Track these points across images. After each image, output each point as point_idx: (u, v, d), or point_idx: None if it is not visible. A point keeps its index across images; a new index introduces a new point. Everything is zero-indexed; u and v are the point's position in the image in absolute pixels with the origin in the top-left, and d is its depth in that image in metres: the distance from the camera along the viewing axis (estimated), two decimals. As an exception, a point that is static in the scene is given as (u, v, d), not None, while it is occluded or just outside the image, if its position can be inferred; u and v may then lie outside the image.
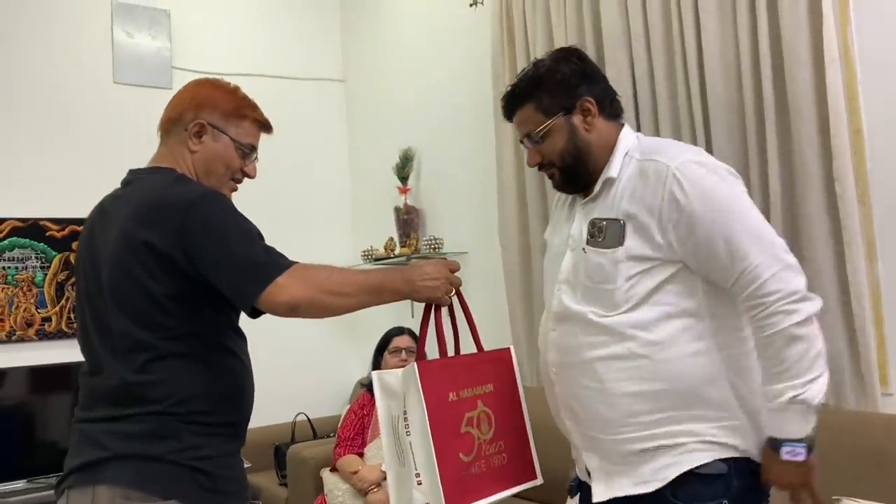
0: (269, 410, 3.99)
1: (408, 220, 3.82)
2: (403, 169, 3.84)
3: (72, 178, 3.61)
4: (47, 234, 3.64)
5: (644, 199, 1.40)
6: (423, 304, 1.51)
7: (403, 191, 3.84)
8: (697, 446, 1.39)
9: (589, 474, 1.50)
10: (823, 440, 2.05)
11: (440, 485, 1.32)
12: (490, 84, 3.23)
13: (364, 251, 3.92)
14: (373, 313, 3.72)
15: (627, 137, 1.50)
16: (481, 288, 3.50)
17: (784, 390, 1.34)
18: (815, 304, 1.36)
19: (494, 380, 1.50)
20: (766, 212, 2.21)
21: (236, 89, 1.63)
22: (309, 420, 3.86)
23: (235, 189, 1.67)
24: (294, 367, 4.16)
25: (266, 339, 4.11)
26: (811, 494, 1.39)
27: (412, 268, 1.50)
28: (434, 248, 3.58)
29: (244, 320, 1.51)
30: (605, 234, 1.42)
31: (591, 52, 2.73)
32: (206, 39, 4.20)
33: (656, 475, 1.39)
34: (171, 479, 1.35)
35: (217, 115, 1.56)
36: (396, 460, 1.40)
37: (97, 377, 1.44)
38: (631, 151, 1.47)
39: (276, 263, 1.40)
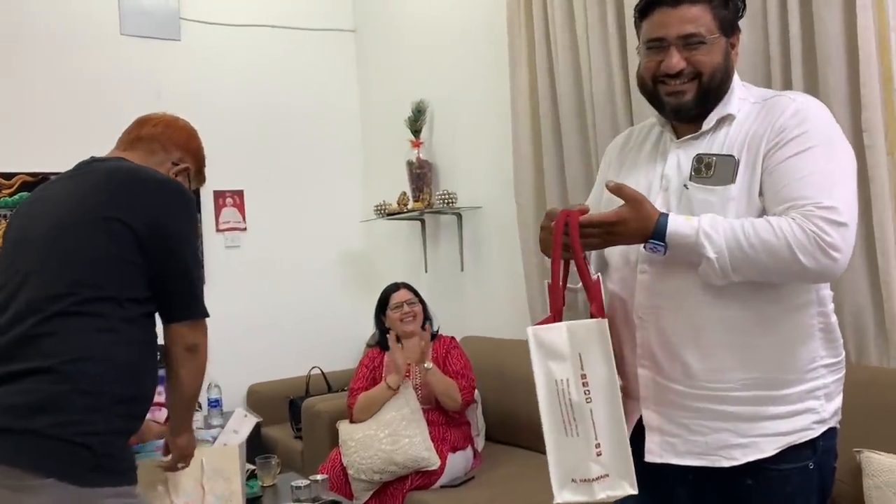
0: (283, 364, 4.03)
1: (421, 175, 3.77)
2: (416, 122, 3.78)
3: (80, 131, 3.57)
4: (59, 188, 3.63)
5: (758, 131, 1.33)
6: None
7: (416, 144, 3.79)
8: (780, 425, 1.31)
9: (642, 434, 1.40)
10: (846, 393, 2.04)
11: (630, 454, 1.22)
12: (505, 35, 3.14)
13: (377, 206, 3.89)
14: (387, 268, 3.71)
15: (739, 82, 1.44)
16: (496, 243, 3.48)
17: (717, 244, 1.23)
18: (823, 267, 1.23)
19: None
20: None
21: None
22: (323, 374, 3.88)
23: None
24: (308, 321, 4.17)
25: (281, 293, 4.16)
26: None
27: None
28: (448, 203, 3.54)
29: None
30: (714, 169, 1.33)
31: (610, 2, 2.65)
32: (214, -11, 4.10)
33: (722, 452, 1.32)
34: (49, 455, 1.29)
35: (194, 168, 1.79)
36: (563, 429, 1.26)
37: None
38: (742, 95, 1.41)
39: (203, 304, 1.59)
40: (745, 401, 1.31)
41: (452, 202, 3.55)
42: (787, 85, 2.13)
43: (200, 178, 1.84)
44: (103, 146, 1.76)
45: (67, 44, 3.71)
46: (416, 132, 3.78)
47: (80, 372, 1.35)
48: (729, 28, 1.39)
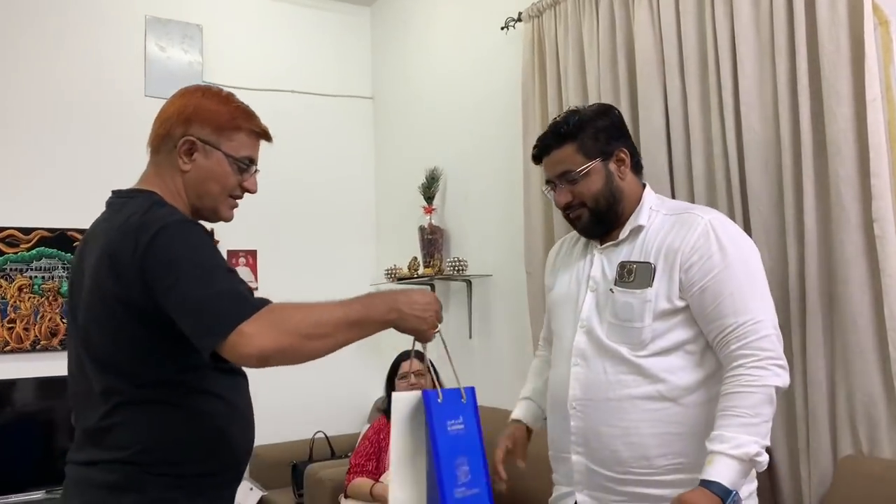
0: (287, 427, 4.00)
1: (432, 240, 3.80)
2: (429, 189, 3.83)
3: (101, 189, 3.61)
4: (74, 244, 3.67)
5: (672, 244, 1.55)
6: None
7: (429, 210, 3.83)
8: None
9: None
10: (858, 486, 2.00)
11: None
12: (519, 108, 3.21)
13: (387, 270, 3.91)
14: (395, 333, 3.69)
15: (651, 194, 1.67)
16: (504, 312, 3.48)
17: (750, 443, 1.39)
18: (786, 381, 1.47)
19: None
20: (800, 252, 2.16)
21: (229, 97, 1.48)
22: (327, 438, 3.85)
23: (235, 206, 1.54)
24: (314, 384, 4.14)
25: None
26: None
27: (399, 294, 1.34)
28: (458, 270, 3.56)
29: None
30: (634, 275, 1.55)
31: (623, 80, 2.71)
32: (237, 54, 4.23)
33: None
34: None
35: (208, 130, 1.42)
36: None
37: (80, 416, 1.40)
38: (655, 206, 1.63)
39: (239, 308, 1.21)
40: (670, 484, 1.47)
41: (462, 269, 3.57)
42: (798, 176, 2.15)
43: (231, 133, 1.43)
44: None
45: (93, 103, 3.81)
46: (429, 198, 3.83)
47: (153, 460, 1.32)
48: (603, 153, 1.60)
